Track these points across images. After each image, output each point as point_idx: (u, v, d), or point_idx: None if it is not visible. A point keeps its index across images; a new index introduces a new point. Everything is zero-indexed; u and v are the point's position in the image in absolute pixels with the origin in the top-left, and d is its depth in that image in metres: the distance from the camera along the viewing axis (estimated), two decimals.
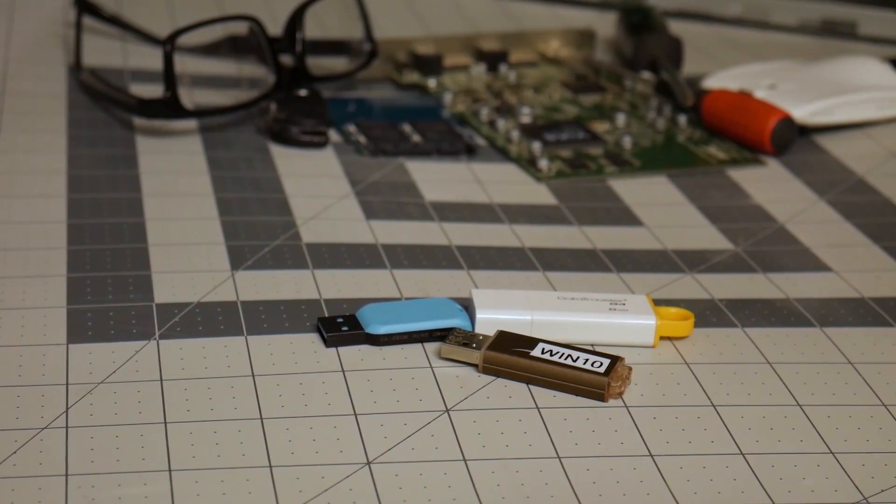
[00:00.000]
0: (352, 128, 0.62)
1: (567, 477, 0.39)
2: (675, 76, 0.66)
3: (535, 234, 0.53)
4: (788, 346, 0.46)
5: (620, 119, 0.64)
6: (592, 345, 0.45)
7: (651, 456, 0.40)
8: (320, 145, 0.60)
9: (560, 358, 0.43)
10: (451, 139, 0.61)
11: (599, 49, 0.73)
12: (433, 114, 0.64)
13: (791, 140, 0.62)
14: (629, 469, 0.39)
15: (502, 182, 0.58)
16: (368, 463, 0.39)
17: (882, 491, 0.39)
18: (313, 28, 0.64)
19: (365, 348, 0.45)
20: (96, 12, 0.69)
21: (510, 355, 0.43)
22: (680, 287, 0.50)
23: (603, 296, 0.46)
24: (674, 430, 0.41)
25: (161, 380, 0.42)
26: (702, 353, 0.45)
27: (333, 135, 0.61)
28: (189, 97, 0.62)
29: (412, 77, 0.68)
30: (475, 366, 0.44)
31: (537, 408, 0.42)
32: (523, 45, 0.71)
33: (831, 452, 0.40)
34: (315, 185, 0.57)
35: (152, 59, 0.65)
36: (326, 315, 0.46)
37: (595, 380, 0.42)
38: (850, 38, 0.78)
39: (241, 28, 0.66)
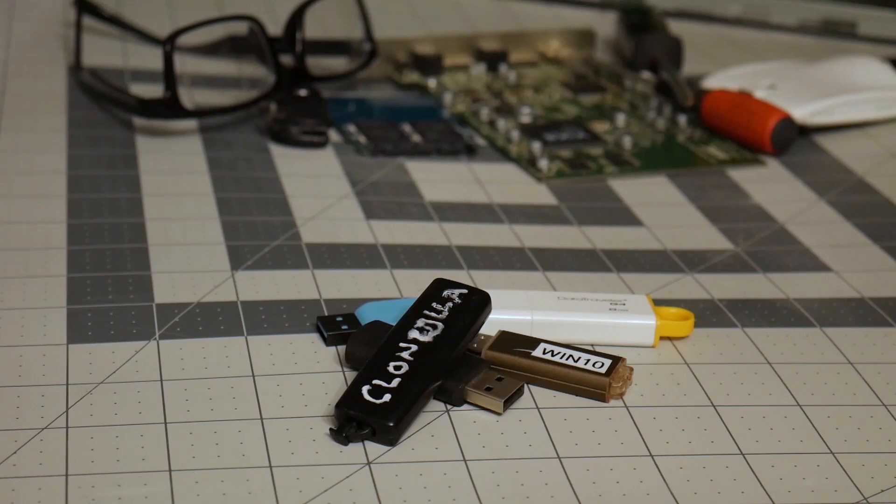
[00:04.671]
0: (352, 128, 0.62)
1: (567, 477, 0.39)
2: (675, 76, 0.66)
3: (535, 234, 0.53)
4: (788, 346, 0.46)
5: (620, 119, 0.64)
6: (592, 345, 0.45)
7: (651, 456, 0.40)
8: (320, 145, 0.60)
9: (561, 358, 0.43)
10: (451, 139, 0.61)
11: (599, 49, 0.73)
12: (433, 114, 0.64)
13: (791, 140, 0.62)
14: (629, 469, 0.39)
15: (502, 182, 0.58)
16: (368, 463, 0.39)
17: (882, 491, 0.39)
18: (313, 28, 0.64)
19: None
20: (96, 12, 0.69)
21: (511, 355, 0.43)
22: (680, 287, 0.50)
23: (603, 296, 0.46)
24: (674, 430, 0.41)
25: (161, 380, 0.42)
26: (702, 353, 0.45)
27: (333, 135, 0.61)
28: (189, 97, 0.62)
29: (412, 77, 0.68)
30: None
31: (537, 408, 0.42)
32: (523, 45, 0.72)
33: (831, 452, 0.40)
34: (315, 185, 0.57)
35: (152, 59, 0.65)
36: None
37: (596, 380, 0.42)
38: (850, 38, 0.78)
39: (241, 28, 0.66)
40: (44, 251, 0.50)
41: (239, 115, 0.62)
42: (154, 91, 0.61)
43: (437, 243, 0.52)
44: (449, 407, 0.42)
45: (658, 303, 0.47)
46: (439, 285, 0.44)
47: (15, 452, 0.39)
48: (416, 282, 0.49)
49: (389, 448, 0.40)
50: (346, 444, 0.40)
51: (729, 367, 0.45)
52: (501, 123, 0.63)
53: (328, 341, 0.45)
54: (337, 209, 0.55)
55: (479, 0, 0.82)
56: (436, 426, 0.41)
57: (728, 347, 0.46)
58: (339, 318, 0.45)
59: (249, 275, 0.49)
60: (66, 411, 0.41)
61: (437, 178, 0.58)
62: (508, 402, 0.42)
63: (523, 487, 0.38)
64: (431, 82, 0.68)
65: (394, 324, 0.43)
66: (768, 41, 0.78)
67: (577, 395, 0.43)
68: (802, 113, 0.62)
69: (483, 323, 0.44)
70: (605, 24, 0.76)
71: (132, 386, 0.42)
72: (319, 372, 0.43)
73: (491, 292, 0.44)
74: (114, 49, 0.70)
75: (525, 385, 0.43)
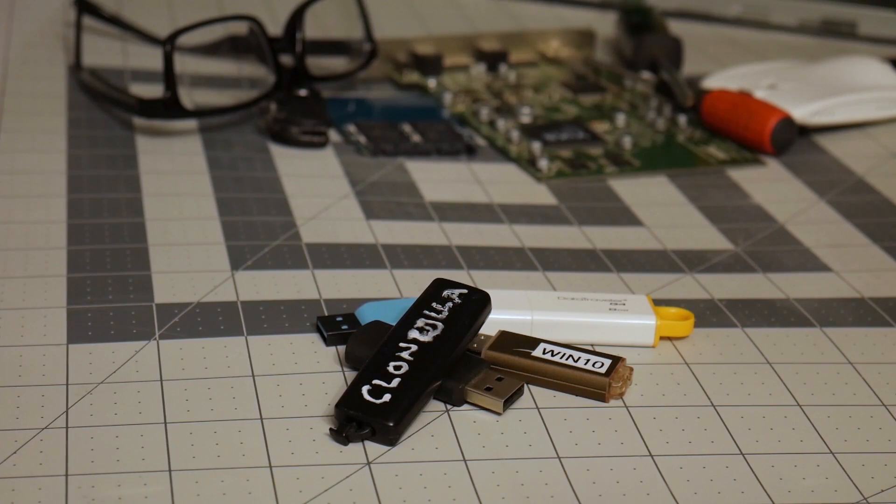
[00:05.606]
0: (352, 128, 0.62)
1: (567, 477, 0.39)
2: (675, 76, 0.66)
3: (535, 234, 0.53)
4: (788, 346, 0.46)
5: (620, 119, 0.64)
6: (592, 345, 0.45)
7: (651, 456, 0.40)
8: (320, 145, 0.60)
9: (561, 358, 0.43)
10: (451, 139, 0.61)
11: (599, 49, 0.73)
12: (433, 114, 0.64)
13: (791, 140, 0.62)
14: (629, 469, 0.39)
15: (502, 182, 0.58)
16: (368, 463, 0.39)
17: (882, 491, 0.39)
18: (313, 28, 0.64)
19: None
20: (96, 12, 0.69)
21: (511, 355, 0.43)
22: (680, 287, 0.50)
23: (603, 296, 0.46)
24: (674, 430, 0.41)
25: (161, 380, 0.42)
26: (702, 353, 0.45)
27: (333, 135, 0.62)
28: (189, 97, 0.62)
29: (412, 77, 0.68)
30: None
31: (537, 408, 0.42)
32: (523, 45, 0.72)
33: (831, 452, 0.40)
34: (315, 185, 0.57)
35: (152, 59, 0.65)
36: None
37: (596, 380, 0.42)
38: (850, 38, 0.78)
39: (241, 28, 0.66)
40: (44, 251, 0.50)
41: (239, 115, 0.62)
42: (154, 91, 0.61)
43: (437, 243, 0.52)
44: (449, 407, 0.42)
45: (658, 303, 0.47)
46: (439, 285, 0.44)
47: (15, 452, 0.39)
48: (416, 282, 0.49)
49: (389, 448, 0.40)
50: (346, 444, 0.40)
51: (729, 367, 0.45)
52: (501, 123, 0.63)
53: (328, 341, 0.45)
54: (337, 209, 0.55)
55: (479, 0, 0.82)
56: (436, 426, 0.41)
57: (728, 347, 0.46)
58: (339, 318, 0.45)
59: (249, 275, 0.49)
60: (66, 411, 0.41)
61: (437, 178, 0.58)
62: (508, 402, 0.42)
63: (523, 487, 0.38)
64: (431, 82, 0.68)
65: (394, 324, 0.43)
66: (768, 41, 0.78)
67: (577, 395, 0.43)
68: (802, 113, 0.62)
69: (483, 323, 0.44)
70: (605, 24, 0.76)
71: (132, 386, 0.42)
72: (319, 372, 0.43)
73: (491, 292, 0.44)
74: (114, 49, 0.70)
75: (525, 385, 0.43)
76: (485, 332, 0.44)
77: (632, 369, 0.43)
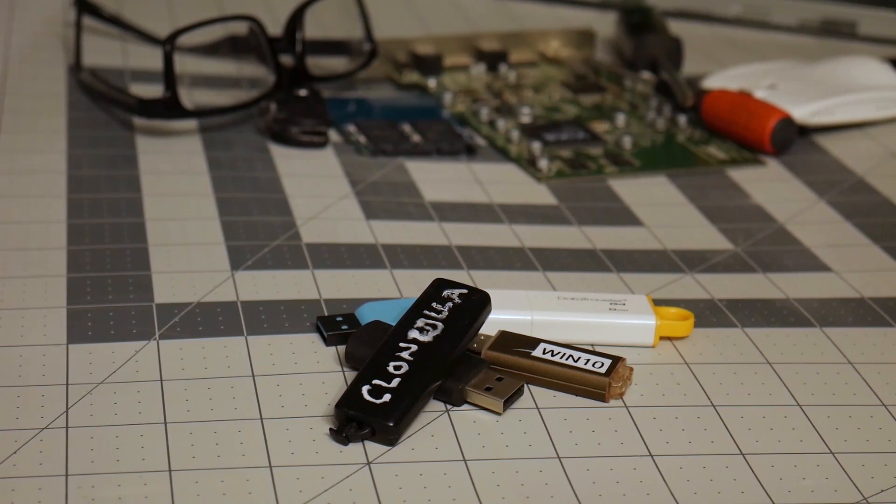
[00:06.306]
0: (352, 128, 0.62)
1: (567, 477, 0.39)
2: (675, 76, 0.66)
3: (535, 234, 0.53)
4: (788, 346, 0.46)
5: (620, 119, 0.64)
6: (592, 345, 0.45)
7: (651, 456, 0.40)
8: (320, 145, 0.60)
9: (561, 358, 0.43)
10: (451, 139, 0.61)
11: (599, 49, 0.73)
12: (433, 114, 0.64)
13: (791, 140, 0.62)
14: (629, 469, 0.39)
15: (502, 182, 0.58)
16: (368, 463, 0.39)
17: (882, 491, 0.39)
18: (313, 28, 0.64)
19: None
20: (96, 12, 0.69)
21: (511, 355, 0.43)
22: (680, 287, 0.50)
23: (603, 296, 0.46)
24: (674, 430, 0.41)
25: (161, 380, 0.42)
26: (702, 353, 0.45)
27: (333, 135, 0.62)
28: (189, 97, 0.62)
29: (412, 77, 0.68)
30: None
31: (537, 408, 0.42)
32: (523, 45, 0.72)
33: (831, 452, 0.40)
34: (315, 185, 0.57)
35: (152, 59, 0.65)
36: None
37: (596, 380, 0.42)
38: (850, 38, 0.78)
39: (241, 28, 0.66)
40: (44, 251, 0.50)
41: (239, 115, 0.62)
42: (154, 91, 0.61)
43: (437, 243, 0.52)
44: (449, 407, 0.42)
45: (658, 303, 0.47)
46: (439, 285, 0.44)
47: (15, 452, 0.39)
48: (416, 282, 0.49)
49: (389, 448, 0.40)
50: (346, 444, 0.40)
51: (729, 367, 0.45)
52: (501, 123, 0.63)
53: (328, 341, 0.45)
54: (337, 209, 0.55)
55: (479, 0, 0.82)
56: (436, 426, 0.41)
57: (728, 347, 0.46)
58: (339, 318, 0.45)
59: (249, 275, 0.49)
60: (66, 411, 0.41)
61: (437, 178, 0.58)
62: (508, 402, 0.42)
63: (523, 487, 0.38)
64: (431, 82, 0.68)
65: (394, 324, 0.43)
66: (768, 41, 0.78)
67: (577, 395, 0.43)
68: (802, 113, 0.62)
69: (483, 323, 0.44)
70: (605, 24, 0.76)
71: (132, 386, 0.42)
72: (319, 372, 0.43)
73: (491, 292, 0.44)
74: (114, 49, 0.70)
75: (525, 385, 0.43)
76: (485, 332, 0.44)
77: (632, 369, 0.43)
